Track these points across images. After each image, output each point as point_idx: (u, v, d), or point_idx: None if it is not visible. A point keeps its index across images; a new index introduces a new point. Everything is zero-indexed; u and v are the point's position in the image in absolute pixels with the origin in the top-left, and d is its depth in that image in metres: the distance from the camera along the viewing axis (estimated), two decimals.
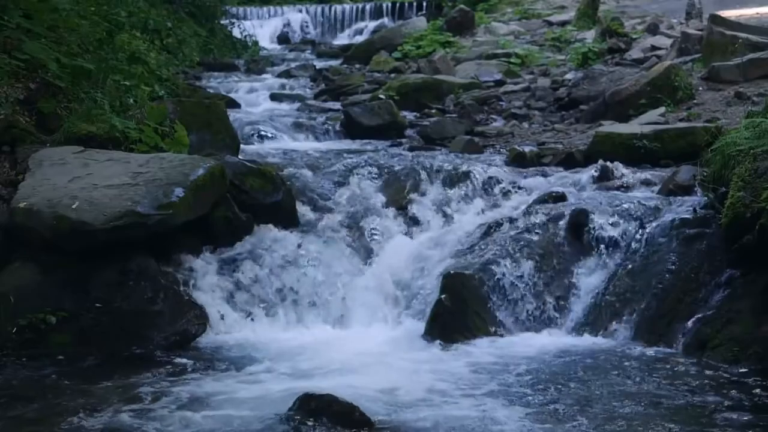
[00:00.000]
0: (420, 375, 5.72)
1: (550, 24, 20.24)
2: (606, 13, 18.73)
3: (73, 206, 6.32)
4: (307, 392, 5.01)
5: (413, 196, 7.86)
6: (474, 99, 12.64)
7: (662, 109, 10.32)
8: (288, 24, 26.45)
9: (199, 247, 6.97)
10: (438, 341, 6.36)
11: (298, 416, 4.89)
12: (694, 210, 6.93)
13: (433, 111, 12.34)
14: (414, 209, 7.73)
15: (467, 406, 5.18)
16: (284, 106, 13.57)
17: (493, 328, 6.55)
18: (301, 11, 27.09)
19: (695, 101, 10.74)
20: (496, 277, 6.76)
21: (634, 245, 6.84)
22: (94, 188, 6.56)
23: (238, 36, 22.23)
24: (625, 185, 7.92)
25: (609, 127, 9.71)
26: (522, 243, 7.00)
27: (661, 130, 8.86)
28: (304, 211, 7.64)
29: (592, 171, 8.20)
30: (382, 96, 12.72)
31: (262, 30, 24.94)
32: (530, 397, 5.33)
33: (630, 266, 6.74)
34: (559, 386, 5.51)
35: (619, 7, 21.33)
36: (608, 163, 8.23)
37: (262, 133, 11.06)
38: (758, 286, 6.12)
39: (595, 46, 15.63)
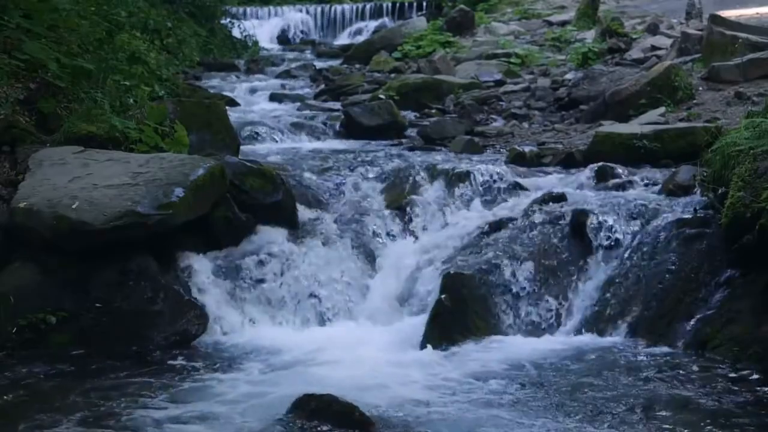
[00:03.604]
0: (420, 375, 5.72)
1: (550, 24, 20.24)
2: (606, 13, 18.74)
3: (73, 206, 6.32)
4: (307, 392, 5.01)
5: (413, 196, 7.85)
6: (474, 99, 12.65)
7: (662, 109, 10.32)
8: (288, 24, 26.45)
9: (199, 247, 6.96)
10: (438, 341, 6.35)
11: (298, 416, 4.89)
12: (694, 210, 6.93)
13: (433, 111, 12.35)
14: (414, 209, 7.72)
15: (467, 406, 5.18)
16: (284, 106, 13.58)
17: (493, 328, 6.55)
18: (301, 11, 27.08)
19: (695, 101, 10.75)
20: (496, 278, 6.76)
21: (634, 245, 6.84)
22: (94, 188, 6.56)
23: (238, 36, 22.24)
24: (625, 185, 7.91)
25: (609, 127, 9.71)
26: (522, 243, 7.00)
27: (661, 130, 8.86)
28: (304, 211, 7.64)
29: (592, 171, 8.20)
30: (382, 96, 12.72)
31: (262, 30, 24.93)
32: (530, 398, 5.33)
33: (630, 266, 6.74)
34: (559, 386, 5.51)
35: (619, 7, 21.33)
36: (608, 164, 8.24)
37: (262, 133, 11.06)
38: (758, 286, 6.12)
39: (595, 46, 15.63)
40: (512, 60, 15.95)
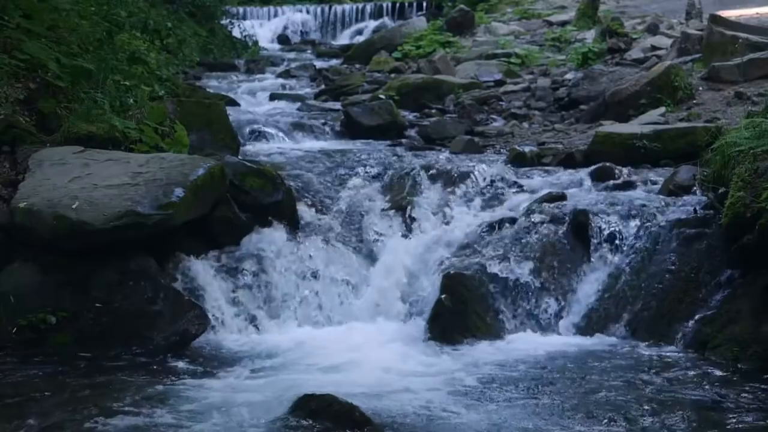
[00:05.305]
0: (420, 375, 5.72)
1: (550, 24, 20.23)
2: (606, 13, 18.74)
3: (73, 206, 6.32)
4: (307, 392, 5.01)
5: (413, 196, 7.86)
6: (474, 99, 12.65)
7: (662, 109, 10.32)
8: (288, 24, 26.44)
9: (199, 247, 6.96)
10: (438, 342, 6.36)
11: (298, 416, 4.89)
12: (694, 210, 6.93)
13: (433, 111, 12.34)
14: (414, 209, 7.72)
15: (467, 407, 5.18)
16: (284, 106, 13.56)
17: (494, 329, 6.56)
18: (301, 11, 27.08)
19: (695, 101, 10.75)
20: (496, 277, 6.76)
21: (634, 245, 6.84)
22: (94, 188, 6.56)
23: (238, 36, 22.23)
24: (625, 185, 7.91)
25: (609, 127, 9.72)
26: (522, 243, 7.00)
27: (661, 130, 8.87)
28: (304, 211, 7.64)
29: (592, 171, 8.20)
30: (382, 96, 12.72)
31: (262, 30, 24.94)
32: (530, 398, 5.33)
33: (630, 266, 6.74)
34: (559, 386, 5.51)
35: (619, 7, 21.32)
36: (608, 164, 8.24)
37: (262, 133, 11.05)
38: (758, 286, 6.12)
39: (595, 46, 15.62)
40: (512, 60, 15.94)
